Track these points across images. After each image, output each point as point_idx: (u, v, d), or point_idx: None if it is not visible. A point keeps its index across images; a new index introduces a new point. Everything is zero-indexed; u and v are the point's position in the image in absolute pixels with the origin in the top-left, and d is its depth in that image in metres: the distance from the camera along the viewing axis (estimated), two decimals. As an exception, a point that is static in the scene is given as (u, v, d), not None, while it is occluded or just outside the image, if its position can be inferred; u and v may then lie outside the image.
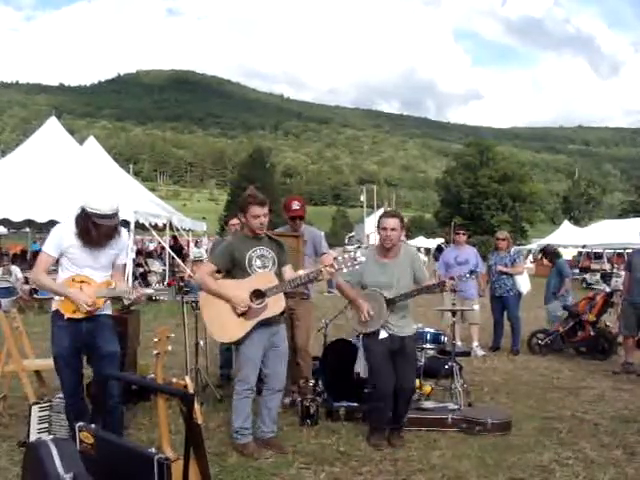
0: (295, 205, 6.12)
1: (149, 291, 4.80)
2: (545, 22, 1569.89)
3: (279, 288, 4.72)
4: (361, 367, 5.48)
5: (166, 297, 5.02)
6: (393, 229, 5.03)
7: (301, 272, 4.95)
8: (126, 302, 4.80)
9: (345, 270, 4.74)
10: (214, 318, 4.76)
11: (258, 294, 4.68)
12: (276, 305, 4.74)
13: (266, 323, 4.74)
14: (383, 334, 5.08)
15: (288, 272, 4.90)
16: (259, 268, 4.77)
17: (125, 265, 4.97)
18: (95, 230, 4.36)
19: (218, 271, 4.85)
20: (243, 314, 4.66)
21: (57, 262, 4.55)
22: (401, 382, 5.05)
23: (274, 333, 4.83)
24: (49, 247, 4.47)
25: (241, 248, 4.78)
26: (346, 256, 4.71)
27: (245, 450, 4.73)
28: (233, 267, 4.79)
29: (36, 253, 21.83)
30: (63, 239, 4.43)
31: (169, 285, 4.63)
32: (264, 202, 4.79)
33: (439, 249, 32.26)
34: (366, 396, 5.49)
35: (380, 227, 5.09)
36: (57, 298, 4.47)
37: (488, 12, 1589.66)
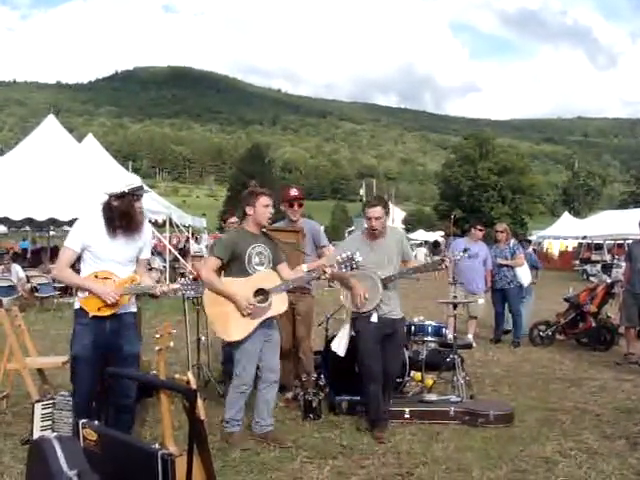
0: (293, 191, 6.14)
1: (176, 286, 4.63)
2: (542, 14, 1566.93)
3: (282, 287, 4.76)
4: (340, 346, 5.44)
5: (193, 292, 4.88)
6: (377, 218, 5.15)
7: (304, 266, 4.98)
8: (155, 295, 4.62)
9: (344, 270, 4.82)
10: (218, 316, 4.76)
11: (261, 293, 4.70)
12: (280, 304, 4.80)
13: (264, 320, 4.77)
14: (374, 317, 5.14)
15: (284, 270, 4.93)
16: (257, 265, 4.79)
17: (149, 260, 4.90)
18: (134, 210, 4.31)
19: (221, 265, 4.85)
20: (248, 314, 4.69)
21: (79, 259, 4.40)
22: (386, 366, 5.17)
23: (269, 326, 4.87)
24: (72, 241, 4.31)
25: (241, 243, 4.79)
26: (344, 255, 4.77)
27: (230, 439, 4.78)
28: (231, 261, 4.78)
29: (33, 251, 21.85)
30: (87, 232, 4.29)
31: (195, 280, 4.57)
32: (272, 194, 4.90)
33: (436, 244, 32.41)
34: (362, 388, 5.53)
35: (365, 216, 5.23)
36: (80, 295, 4.32)
37: (484, 5, 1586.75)
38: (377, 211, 5.16)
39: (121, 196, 4.27)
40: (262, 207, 4.80)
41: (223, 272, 4.84)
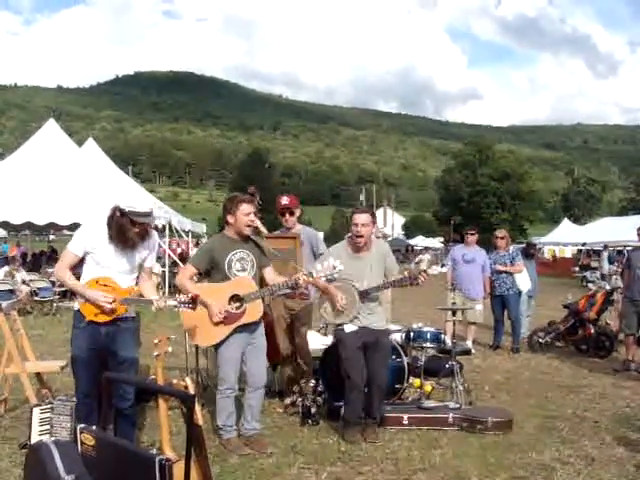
0: (284, 200, 6.11)
1: (172, 302, 4.41)
2: (541, 22, 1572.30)
3: (257, 294, 4.72)
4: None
5: (190, 309, 4.70)
6: (364, 225, 5.11)
7: (280, 279, 4.90)
8: (154, 309, 4.52)
9: (324, 278, 4.78)
10: (193, 321, 4.75)
11: (237, 299, 4.68)
12: (255, 311, 4.74)
13: (245, 325, 4.75)
14: (350, 328, 5.12)
15: (269, 274, 4.92)
16: (238, 271, 4.76)
17: (152, 267, 4.83)
18: (130, 230, 4.21)
19: (199, 273, 4.84)
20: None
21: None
22: (373, 377, 5.14)
23: (252, 331, 4.84)
24: (75, 245, 4.32)
25: (221, 250, 4.76)
26: (325, 264, 4.73)
27: (228, 445, 4.77)
28: (212, 269, 4.78)
29: (30, 255, 21.84)
30: (90, 238, 4.29)
31: (193, 299, 4.49)
32: (252, 200, 4.86)
33: (408, 249, 32.85)
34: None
35: (352, 223, 5.18)
36: (79, 299, 4.34)
37: (483, 13, 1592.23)
38: (364, 217, 5.13)
39: (122, 213, 4.23)
40: (243, 216, 4.72)
41: (207, 278, 4.83)
